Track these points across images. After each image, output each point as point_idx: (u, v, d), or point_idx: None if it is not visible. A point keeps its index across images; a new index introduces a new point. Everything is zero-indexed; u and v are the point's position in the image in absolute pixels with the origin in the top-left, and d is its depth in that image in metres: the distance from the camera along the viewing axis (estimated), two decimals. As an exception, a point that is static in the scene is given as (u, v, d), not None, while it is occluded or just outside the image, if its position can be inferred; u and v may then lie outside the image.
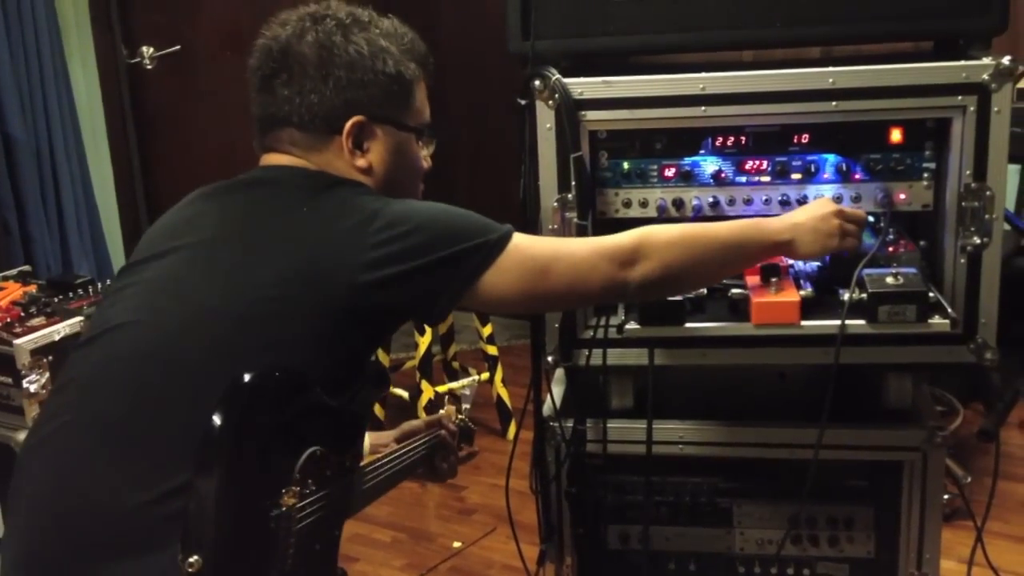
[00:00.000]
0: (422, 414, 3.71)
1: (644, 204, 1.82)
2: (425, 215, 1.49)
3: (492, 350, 3.87)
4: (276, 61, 1.56)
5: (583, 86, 1.75)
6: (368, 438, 1.83)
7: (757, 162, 1.80)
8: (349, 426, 1.51)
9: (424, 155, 1.67)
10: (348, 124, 1.55)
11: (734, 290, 1.73)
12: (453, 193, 5.01)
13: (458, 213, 1.52)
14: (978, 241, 1.71)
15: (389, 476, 1.73)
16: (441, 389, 3.85)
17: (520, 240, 1.51)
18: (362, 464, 1.63)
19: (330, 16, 1.58)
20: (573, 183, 1.76)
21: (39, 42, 3.81)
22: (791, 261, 1.79)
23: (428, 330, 3.70)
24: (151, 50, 4.16)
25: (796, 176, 1.79)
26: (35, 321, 2.68)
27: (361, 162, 1.57)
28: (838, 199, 1.77)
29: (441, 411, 2.01)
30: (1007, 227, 1.76)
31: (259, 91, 1.58)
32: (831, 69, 1.70)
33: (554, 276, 1.51)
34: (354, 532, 3.32)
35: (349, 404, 1.48)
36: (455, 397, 3.83)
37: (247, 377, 1.29)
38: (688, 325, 1.73)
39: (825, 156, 1.78)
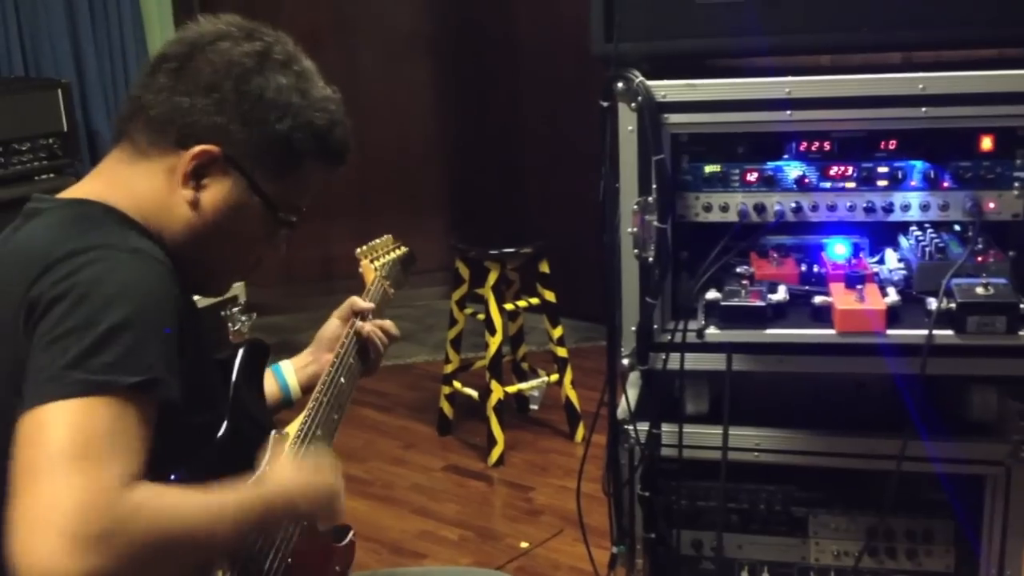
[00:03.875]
0: (491, 415, 3.73)
1: (725, 208, 1.80)
2: (96, 288, 1.19)
3: (562, 352, 3.87)
4: (180, 52, 1.38)
5: (666, 88, 1.73)
6: (294, 373, 1.79)
7: (842, 168, 1.77)
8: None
9: (274, 238, 1.48)
10: (200, 147, 1.35)
11: (817, 297, 1.70)
12: (525, 196, 5.07)
13: (128, 325, 1.18)
14: (1070, 252, 1.66)
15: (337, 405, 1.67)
16: (511, 390, 3.86)
17: (94, 419, 1.13)
18: (310, 409, 1.61)
19: (267, 42, 1.40)
20: (654, 186, 1.75)
21: (124, 38, 3.90)
22: (876, 269, 1.76)
23: (499, 330, 3.72)
24: (232, 48, 4.22)
25: (882, 183, 1.75)
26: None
27: (188, 193, 1.37)
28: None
29: (353, 297, 1.84)
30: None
31: (147, 73, 1.41)
32: (921, 75, 1.67)
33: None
34: (422, 529, 3.35)
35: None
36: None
37: None
38: (769, 331, 1.70)
39: (912, 163, 1.75)
